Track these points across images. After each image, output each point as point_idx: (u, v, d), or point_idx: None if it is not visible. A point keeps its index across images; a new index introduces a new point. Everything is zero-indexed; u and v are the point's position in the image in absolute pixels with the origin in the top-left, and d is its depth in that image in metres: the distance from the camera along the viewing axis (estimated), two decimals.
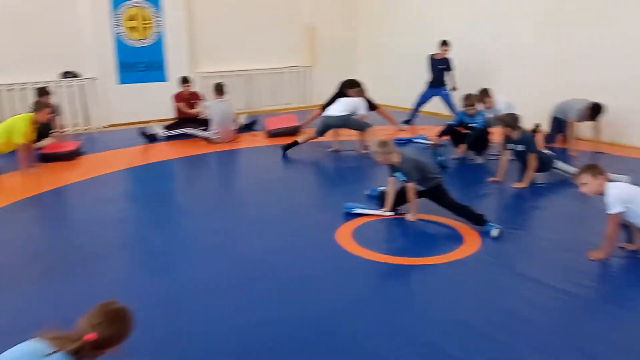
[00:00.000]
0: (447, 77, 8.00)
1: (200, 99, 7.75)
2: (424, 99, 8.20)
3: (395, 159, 4.18)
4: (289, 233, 4.10)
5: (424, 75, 8.09)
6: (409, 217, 4.27)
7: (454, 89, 7.92)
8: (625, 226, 3.64)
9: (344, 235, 4.00)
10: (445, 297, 3.13)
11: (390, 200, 4.38)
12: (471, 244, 3.81)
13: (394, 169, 4.27)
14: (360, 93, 7.02)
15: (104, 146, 7.10)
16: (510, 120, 5.15)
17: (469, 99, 6.03)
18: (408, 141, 7.02)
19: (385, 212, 4.37)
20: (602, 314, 2.94)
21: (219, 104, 7.26)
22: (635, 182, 3.88)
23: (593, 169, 3.52)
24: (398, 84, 9.32)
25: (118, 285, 3.27)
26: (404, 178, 4.22)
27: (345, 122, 6.40)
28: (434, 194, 4.25)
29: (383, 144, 4.17)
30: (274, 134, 7.51)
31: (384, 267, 3.54)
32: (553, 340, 2.67)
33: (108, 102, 8.50)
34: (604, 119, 6.32)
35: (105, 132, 8.17)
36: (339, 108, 6.45)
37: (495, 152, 6.22)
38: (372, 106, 7.67)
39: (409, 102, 8.44)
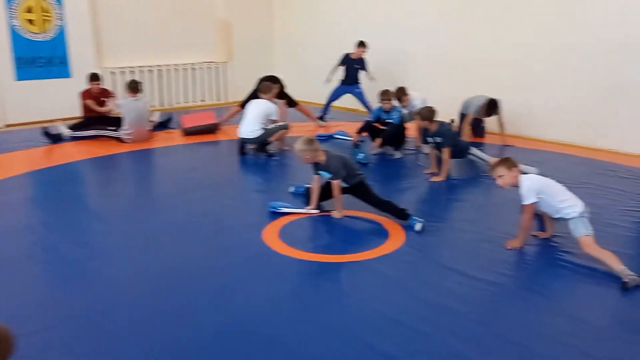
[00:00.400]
0: (361, 76, 8.04)
1: (110, 97, 7.29)
2: (335, 95, 8.16)
3: (321, 157, 4.14)
4: (213, 235, 3.95)
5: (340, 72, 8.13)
6: (335, 214, 4.26)
7: (372, 78, 7.95)
8: (538, 216, 3.84)
9: (271, 235, 3.92)
10: (374, 293, 3.13)
11: (315, 198, 4.34)
12: (396, 238, 3.86)
13: (318, 167, 4.23)
14: (276, 91, 6.85)
15: (1, 148, 6.50)
16: (428, 114, 5.29)
17: (385, 95, 6.12)
18: (329, 137, 7.03)
19: (311, 210, 4.33)
20: (521, 302, 3.06)
21: (133, 103, 6.85)
22: (542, 172, 4.13)
23: (507, 162, 3.68)
24: (316, 80, 9.33)
25: (20, 301, 2.99)
26: (329, 176, 4.19)
27: (261, 138, 6.14)
28: (358, 190, 4.26)
29: (309, 142, 4.11)
30: (190, 132, 7.23)
31: (313, 266, 3.51)
32: (479, 330, 2.75)
33: (4, 100, 7.81)
34: (509, 113, 6.67)
35: (2, 133, 7.49)
36: (250, 124, 6.13)
37: (412, 147, 6.41)
38: (291, 102, 7.62)
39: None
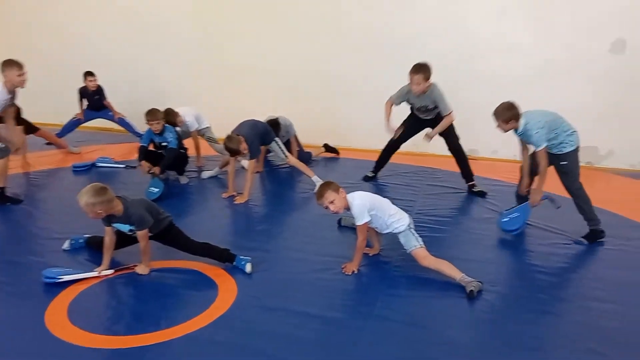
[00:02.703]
0: (106, 105, 6.92)
1: None
2: (77, 123, 6.87)
3: (117, 207, 3.21)
4: None
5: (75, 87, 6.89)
6: (141, 269, 3.39)
7: (122, 116, 6.98)
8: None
9: (57, 315, 2.90)
10: None
11: (108, 256, 3.39)
12: (227, 289, 3.22)
13: (113, 219, 3.30)
14: None
15: None
16: (234, 146, 4.77)
17: (151, 115, 5.17)
18: (91, 166, 5.85)
19: (103, 272, 3.36)
20: (356, 332, 2.80)
21: None
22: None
23: (332, 185, 3.39)
24: (47, 98, 7.82)
25: None
26: (130, 228, 3.30)
27: None
28: (167, 236, 3.47)
29: (100, 191, 3.12)
30: None
31: (129, 356, 2.61)
32: None
33: None
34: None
35: None
36: None
37: (194, 168, 5.76)
38: (30, 129, 6.12)
39: (60, 119, 7.16)
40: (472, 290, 3.13)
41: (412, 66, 4.78)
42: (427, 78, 4.76)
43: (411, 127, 5.20)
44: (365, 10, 6.57)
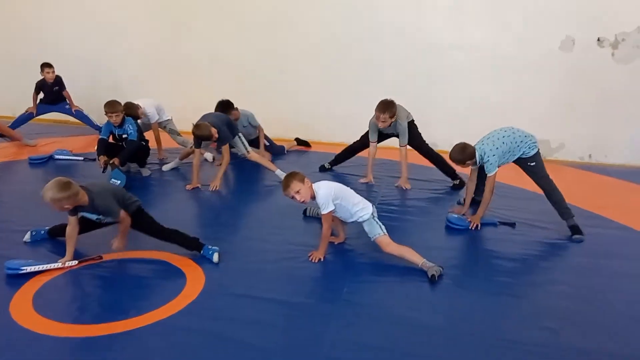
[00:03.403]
0: (65, 95, 6.77)
1: None
2: (29, 117, 6.70)
3: (83, 198, 3.18)
4: None
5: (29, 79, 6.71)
6: (116, 244, 3.40)
7: (79, 109, 6.84)
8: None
9: (22, 307, 2.87)
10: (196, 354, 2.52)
11: (71, 245, 3.35)
12: (195, 278, 3.24)
13: (80, 209, 3.27)
14: None
15: None
16: (204, 132, 4.83)
17: (111, 107, 5.08)
18: (48, 159, 5.72)
19: (68, 262, 3.32)
20: (325, 316, 2.87)
21: None
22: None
23: (298, 175, 3.45)
24: (1, 91, 7.59)
25: None
26: (98, 217, 3.27)
27: None
28: (136, 220, 3.45)
29: (65, 186, 3.09)
30: None
31: (98, 343, 2.61)
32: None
33: None
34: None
35: None
36: None
37: (156, 161, 5.73)
38: None
39: (14, 112, 6.98)
40: (433, 275, 3.26)
41: (378, 103, 4.89)
42: (393, 115, 4.89)
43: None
44: (320, 4, 6.66)
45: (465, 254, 3.86)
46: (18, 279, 3.13)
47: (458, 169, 4.59)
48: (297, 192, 3.39)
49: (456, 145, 4.09)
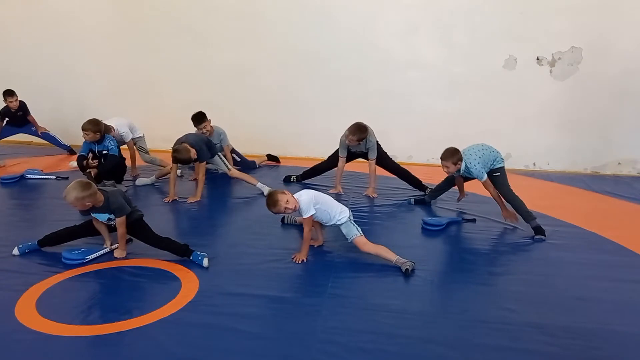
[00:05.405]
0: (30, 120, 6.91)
1: None
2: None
3: (100, 198, 3.57)
4: None
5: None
6: (118, 252, 3.78)
7: (46, 131, 6.97)
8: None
9: (27, 312, 3.03)
10: (202, 345, 2.77)
11: (105, 235, 3.88)
12: (190, 280, 3.48)
13: (94, 209, 3.66)
14: None
15: None
16: (184, 155, 5.07)
17: (93, 125, 5.25)
18: (20, 178, 5.78)
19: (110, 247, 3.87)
20: (314, 307, 3.17)
21: None
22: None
23: (277, 191, 3.79)
24: None
25: None
26: (109, 216, 3.65)
27: None
28: (135, 228, 3.79)
29: (86, 186, 3.49)
30: None
31: (104, 341, 2.81)
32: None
33: None
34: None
35: None
36: None
37: (131, 177, 5.89)
38: None
39: None
40: (407, 269, 3.64)
41: (351, 125, 5.29)
42: (361, 140, 5.31)
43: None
44: (286, 23, 7.05)
45: (433, 250, 4.25)
46: (18, 286, 3.31)
47: (442, 173, 4.99)
48: (287, 202, 3.71)
49: (448, 148, 4.61)
